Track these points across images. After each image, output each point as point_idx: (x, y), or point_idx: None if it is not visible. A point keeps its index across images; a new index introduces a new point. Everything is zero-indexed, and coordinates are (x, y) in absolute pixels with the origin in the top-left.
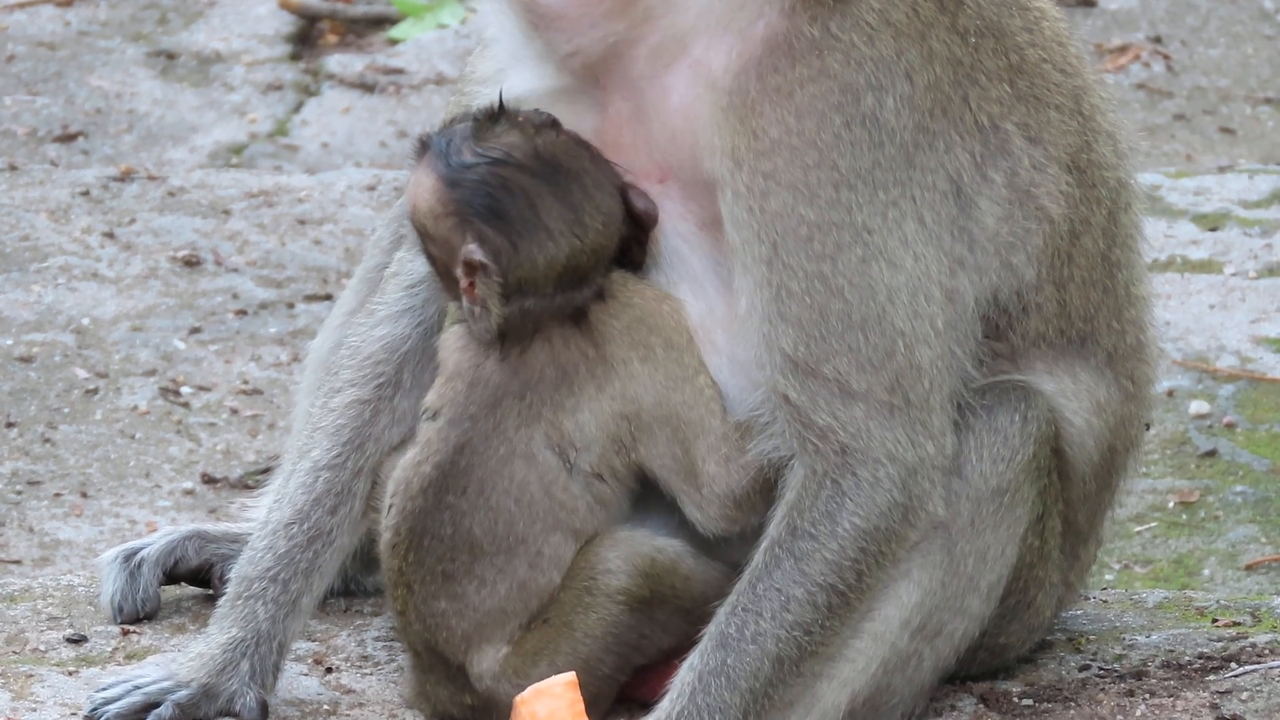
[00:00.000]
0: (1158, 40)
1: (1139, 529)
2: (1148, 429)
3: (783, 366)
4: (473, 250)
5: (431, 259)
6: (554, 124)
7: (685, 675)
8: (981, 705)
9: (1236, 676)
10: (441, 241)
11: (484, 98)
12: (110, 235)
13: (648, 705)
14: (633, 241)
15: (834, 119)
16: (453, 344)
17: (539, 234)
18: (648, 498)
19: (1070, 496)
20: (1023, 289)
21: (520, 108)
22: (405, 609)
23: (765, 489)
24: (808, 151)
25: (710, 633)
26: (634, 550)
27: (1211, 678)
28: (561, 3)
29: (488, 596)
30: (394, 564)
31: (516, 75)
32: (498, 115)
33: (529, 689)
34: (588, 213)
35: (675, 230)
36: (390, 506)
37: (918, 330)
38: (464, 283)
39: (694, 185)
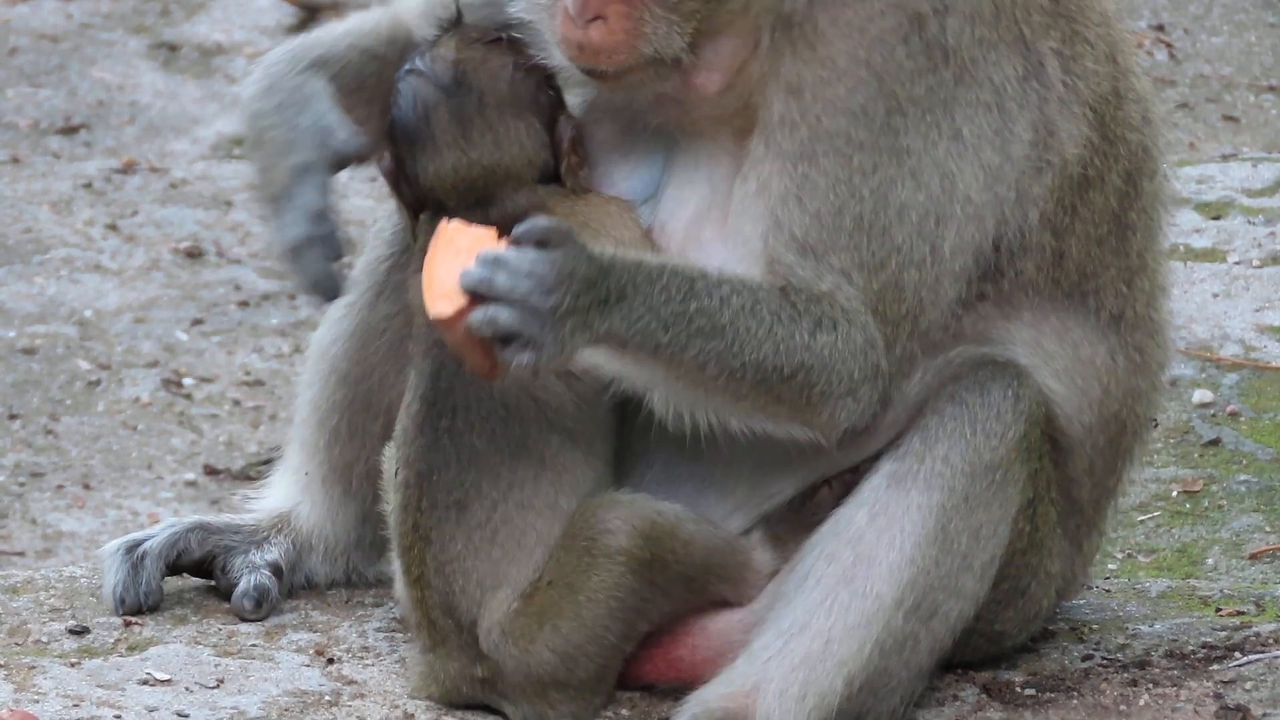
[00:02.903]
0: (1160, 28)
1: (1142, 518)
2: (1154, 425)
3: (790, 246)
4: (383, 159)
5: None
6: (498, 41)
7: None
8: (984, 695)
9: (1240, 666)
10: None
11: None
12: (113, 227)
13: (652, 688)
14: (562, 166)
15: (899, 50)
16: (412, 272)
17: (428, 146)
18: (643, 468)
19: (1072, 471)
20: (1024, 227)
21: (480, 23)
22: (423, 571)
23: None
24: (871, 81)
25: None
26: (634, 512)
27: (1215, 667)
28: None
29: (500, 521)
30: (409, 522)
31: None
32: (450, 27)
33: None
34: (478, 129)
35: (692, 141)
36: (397, 470)
37: (914, 252)
38: (390, 190)
39: (727, 106)
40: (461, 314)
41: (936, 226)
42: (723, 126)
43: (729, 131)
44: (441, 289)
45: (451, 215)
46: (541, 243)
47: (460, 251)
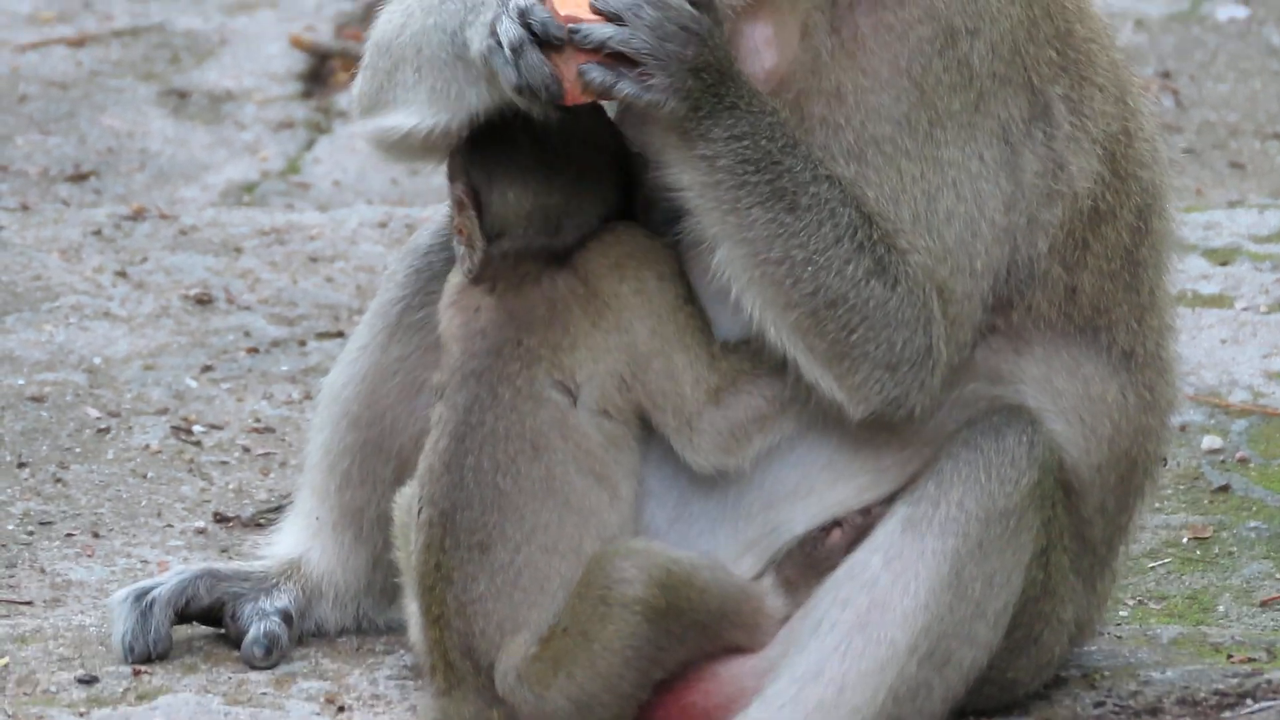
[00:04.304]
0: (1166, 75)
1: (1153, 564)
2: (1164, 464)
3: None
4: (457, 186)
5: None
6: None
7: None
8: None
9: (1252, 713)
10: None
11: None
12: (122, 274)
13: None
14: (625, 195)
15: (935, 62)
16: (444, 306)
17: (511, 172)
18: (656, 504)
19: (1084, 512)
20: (1034, 255)
21: None
22: (443, 611)
23: (759, 421)
24: (912, 91)
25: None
26: (649, 560)
27: (1227, 714)
28: None
29: (523, 564)
30: (431, 561)
31: None
32: None
33: None
34: (561, 158)
35: None
36: (420, 509)
37: (960, 258)
38: (456, 220)
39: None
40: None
41: (973, 239)
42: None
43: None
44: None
45: (520, 253)
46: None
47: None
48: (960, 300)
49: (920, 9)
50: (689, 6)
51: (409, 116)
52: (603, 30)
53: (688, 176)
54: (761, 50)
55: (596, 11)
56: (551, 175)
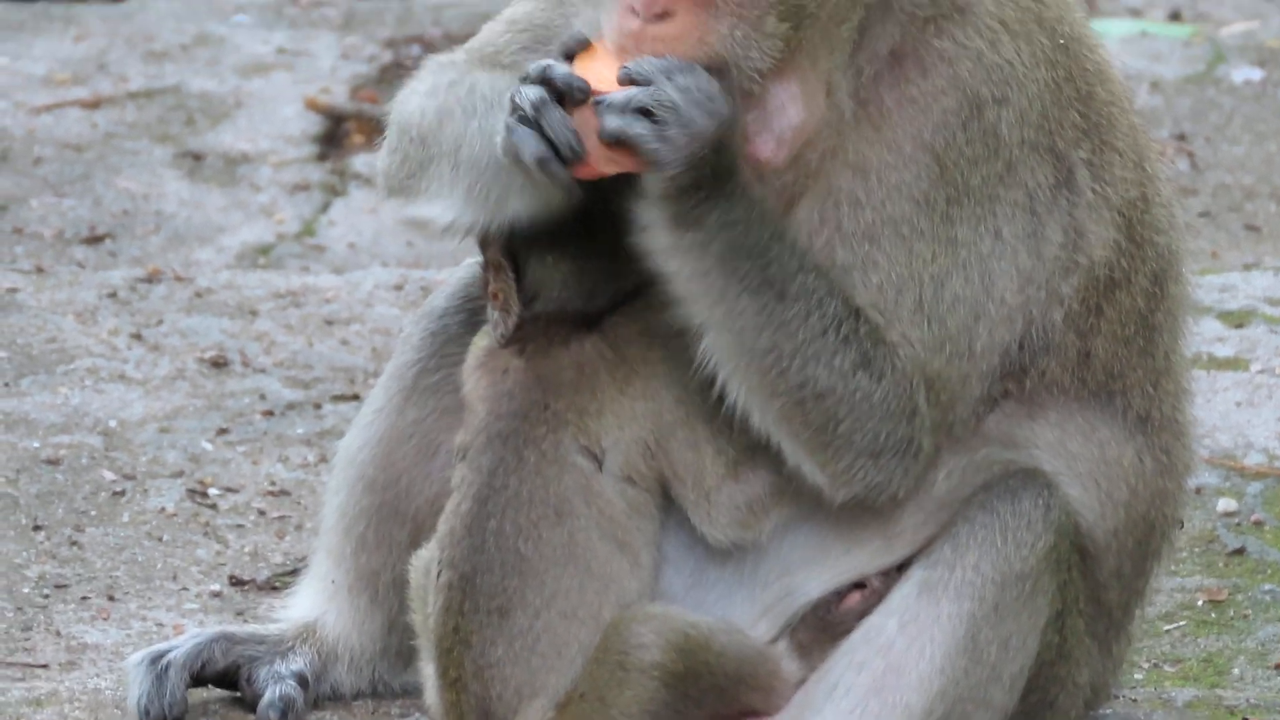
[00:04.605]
0: (1182, 138)
1: (1168, 627)
2: (1180, 527)
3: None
4: (493, 250)
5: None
6: None
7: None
8: None
9: None
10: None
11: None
12: (137, 336)
13: None
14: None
15: (959, 135)
16: (470, 368)
17: (551, 235)
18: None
19: (1100, 576)
20: (1047, 325)
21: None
22: (461, 674)
23: (775, 495)
24: (934, 167)
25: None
26: (667, 625)
27: None
28: None
29: (542, 630)
30: (450, 624)
31: None
32: None
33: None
34: (599, 222)
35: None
36: (440, 571)
37: (959, 343)
38: (492, 285)
39: (787, 180)
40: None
41: (975, 323)
42: (771, 199)
43: (777, 203)
44: (598, 74)
45: (553, 317)
46: (716, 74)
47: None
48: (954, 384)
49: (944, 80)
50: (718, 85)
51: (446, 211)
52: (628, 91)
53: (677, 263)
54: (787, 106)
55: (627, 80)
56: (590, 239)
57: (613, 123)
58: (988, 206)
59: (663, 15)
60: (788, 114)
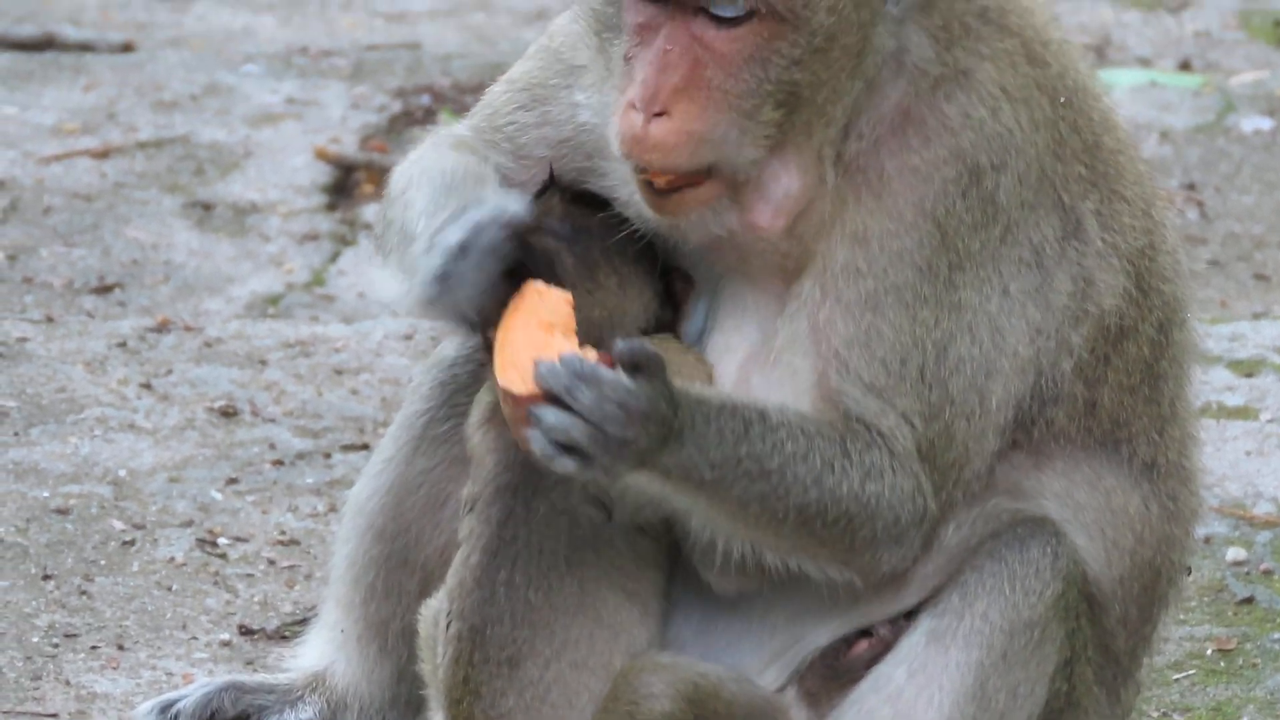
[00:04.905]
0: (1191, 187)
1: (1177, 676)
2: (1189, 574)
3: (856, 384)
4: (493, 332)
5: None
6: (593, 197)
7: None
8: None
9: None
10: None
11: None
12: (147, 386)
13: None
14: (668, 312)
15: (959, 203)
16: (475, 425)
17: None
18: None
19: (1107, 623)
20: (1057, 376)
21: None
22: None
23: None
24: (935, 234)
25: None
26: (677, 675)
27: None
28: None
29: (552, 680)
30: (459, 675)
31: None
32: (548, 185)
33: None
34: (603, 272)
35: (738, 285)
36: (449, 622)
37: (966, 404)
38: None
39: (785, 250)
40: (530, 399)
41: (987, 380)
42: (773, 270)
43: (779, 275)
44: (515, 360)
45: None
46: (637, 368)
47: (541, 325)
48: (961, 443)
49: (946, 149)
50: (625, 381)
51: (389, 286)
52: (547, 416)
53: (649, 488)
54: (782, 176)
55: (544, 389)
56: (595, 288)
57: (539, 450)
58: (992, 267)
59: (661, 113)
60: (782, 183)
